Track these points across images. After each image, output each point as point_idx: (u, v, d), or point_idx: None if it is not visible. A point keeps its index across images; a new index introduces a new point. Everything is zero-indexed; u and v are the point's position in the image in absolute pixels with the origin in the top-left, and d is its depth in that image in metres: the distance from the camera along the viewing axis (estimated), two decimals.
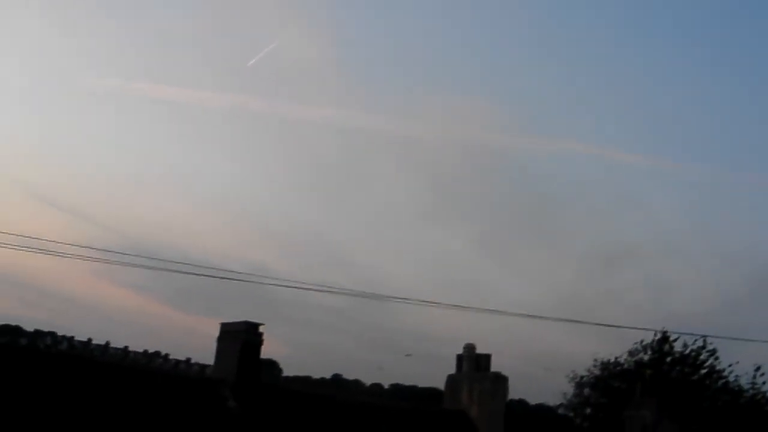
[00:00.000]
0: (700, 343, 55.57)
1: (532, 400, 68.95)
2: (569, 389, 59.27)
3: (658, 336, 57.01)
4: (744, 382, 55.00)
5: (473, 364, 35.44)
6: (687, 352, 55.84)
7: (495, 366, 35.19)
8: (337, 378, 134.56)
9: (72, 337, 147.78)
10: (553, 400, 61.11)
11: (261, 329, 31.24)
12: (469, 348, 35.52)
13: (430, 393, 61.60)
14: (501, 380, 34.78)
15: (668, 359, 56.01)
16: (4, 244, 31.57)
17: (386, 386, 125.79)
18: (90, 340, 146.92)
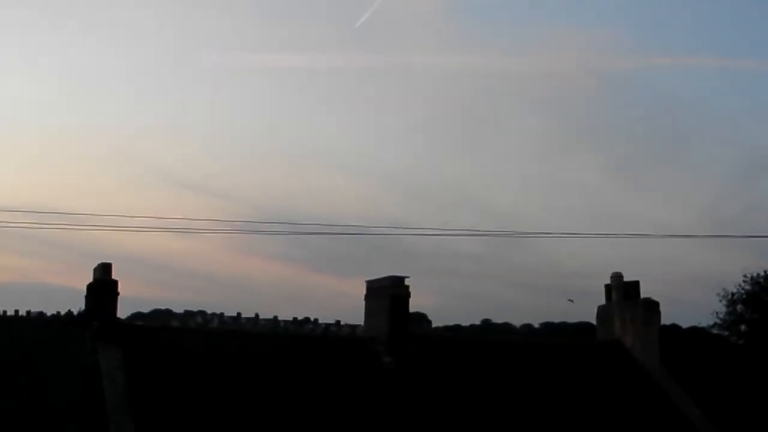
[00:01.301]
0: None
1: (685, 324, 68.09)
2: (721, 308, 58.53)
3: None
4: None
5: (622, 292, 35.13)
6: None
7: (644, 292, 34.84)
8: (486, 323, 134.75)
9: (222, 314, 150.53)
10: (706, 321, 60.33)
11: (407, 282, 31.41)
12: (617, 277, 35.21)
13: (582, 327, 61.30)
14: (652, 306, 34.41)
15: None
16: (145, 228, 32.31)
17: (537, 325, 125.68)
18: (239, 314, 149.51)
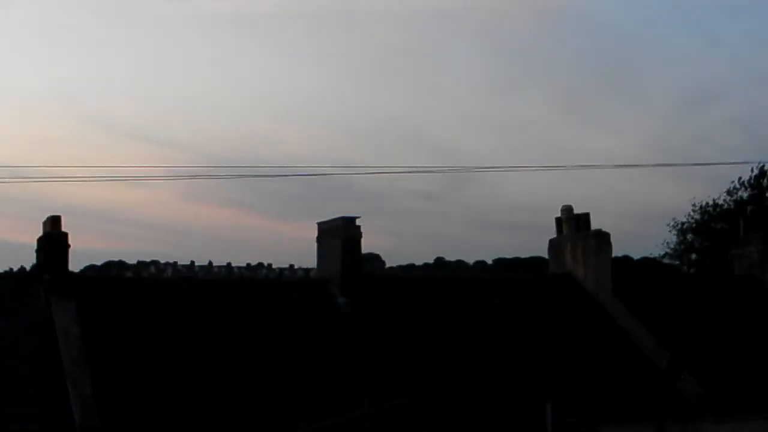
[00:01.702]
0: None
1: (636, 255, 68.76)
2: (672, 238, 59.15)
3: (756, 171, 56.51)
4: None
5: (573, 225, 35.38)
6: None
7: (595, 224, 35.13)
8: (439, 261, 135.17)
9: (175, 263, 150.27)
10: (657, 251, 60.98)
11: (358, 223, 31.45)
12: (567, 209, 35.42)
13: (535, 262, 61.66)
14: (603, 237, 34.70)
15: None
16: (92, 177, 32.11)
17: (489, 262, 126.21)
18: (193, 262, 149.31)
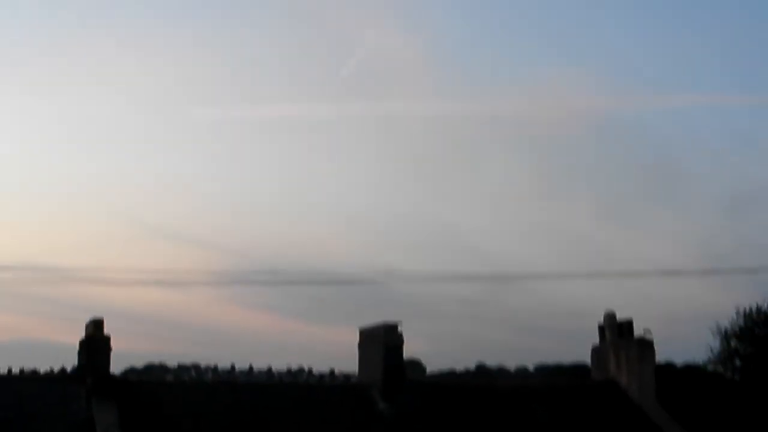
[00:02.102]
0: None
1: (680, 361, 67.97)
2: (716, 344, 58.47)
3: None
4: None
5: (616, 332, 35.14)
6: None
7: (638, 331, 34.84)
8: (480, 367, 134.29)
9: (216, 366, 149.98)
10: (701, 357, 60.25)
11: (399, 329, 31.41)
12: (610, 316, 35.23)
13: (577, 368, 61.14)
14: (646, 345, 34.43)
15: None
16: (134, 281, 32.30)
17: (531, 368, 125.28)
18: (233, 366, 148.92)
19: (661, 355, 36.55)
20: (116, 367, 30.79)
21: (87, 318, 29.85)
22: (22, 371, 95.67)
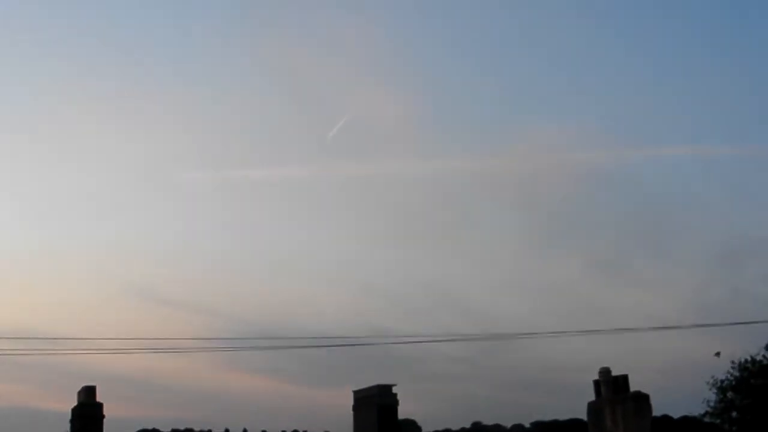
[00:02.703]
0: None
1: (676, 414, 67.57)
2: (712, 396, 58.17)
3: None
4: None
5: (611, 387, 34.94)
6: None
7: (633, 385, 34.66)
8: (477, 425, 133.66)
9: (210, 430, 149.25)
10: (697, 410, 59.88)
11: (394, 390, 31.20)
12: (605, 372, 35.06)
13: (574, 424, 60.75)
14: (642, 399, 34.24)
15: None
16: (128, 349, 32.07)
17: (527, 425, 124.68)
18: (227, 430, 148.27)
19: (657, 409, 36.33)
20: None
21: (79, 385, 29.60)
22: None
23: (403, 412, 32.03)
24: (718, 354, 32.09)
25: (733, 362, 56.32)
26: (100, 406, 28.73)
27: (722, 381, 56.88)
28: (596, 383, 35.79)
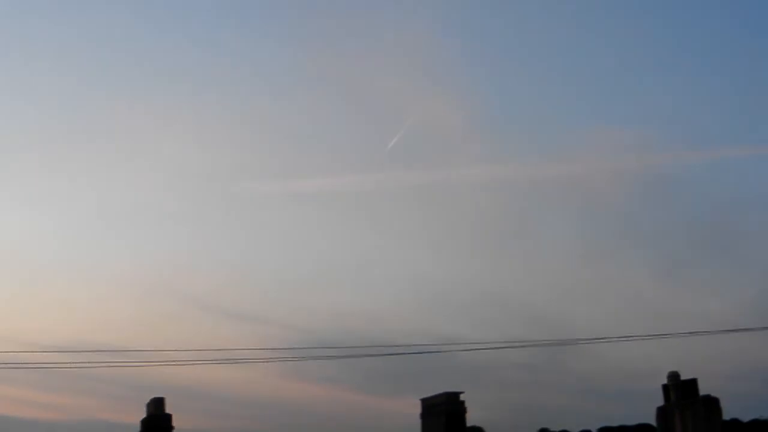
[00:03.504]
0: None
1: (746, 417, 66.91)
2: None
3: None
4: None
5: (680, 391, 34.66)
6: None
7: (703, 389, 34.33)
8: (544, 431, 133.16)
9: None
10: (767, 413, 59.30)
11: (462, 398, 31.17)
12: (674, 376, 34.79)
13: (643, 429, 60.36)
14: (712, 403, 33.92)
15: None
16: (196, 361, 32.27)
17: (594, 431, 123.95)
18: None
19: (727, 413, 35.98)
20: None
21: (148, 397, 29.83)
22: None
23: (471, 419, 31.98)
24: None
25: None
26: (168, 418, 28.97)
27: None
28: (665, 388, 35.52)
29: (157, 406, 29.26)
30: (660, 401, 36.13)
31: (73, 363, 33.27)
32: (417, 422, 32.23)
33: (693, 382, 34.79)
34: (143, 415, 29.83)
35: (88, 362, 33.78)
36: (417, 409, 31.85)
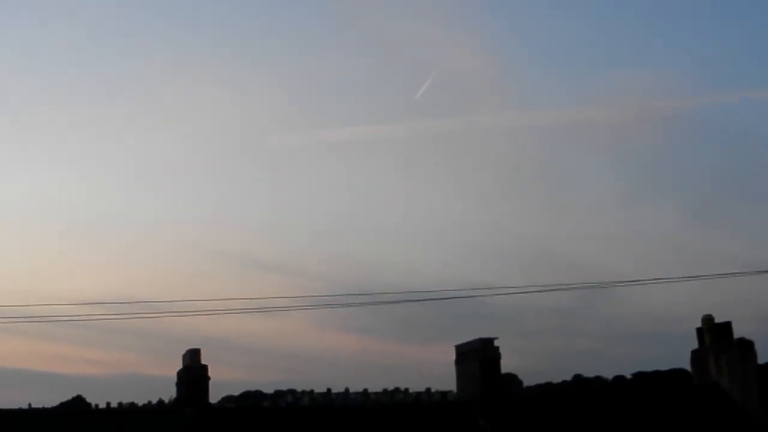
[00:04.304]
0: None
1: None
2: None
3: None
4: None
5: (715, 335, 34.62)
6: None
7: (737, 332, 34.33)
8: (577, 378, 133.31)
9: (312, 391, 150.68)
10: None
11: (496, 344, 31.23)
12: (708, 319, 34.74)
13: (677, 374, 60.51)
14: (746, 345, 33.87)
15: None
16: (226, 310, 32.52)
17: (629, 376, 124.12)
18: (329, 390, 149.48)
19: (762, 356, 35.90)
20: (213, 396, 30.93)
21: (183, 349, 30.06)
22: (120, 405, 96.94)
23: (505, 366, 32.06)
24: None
25: None
26: (205, 368, 29.18)
27: None
28: (699, 331, 35.46)
29: (192, 357, 29.49)
30: (694, 345, 36.08)
31: (108, 315, 33.50)
32: (452, 369, 32.26)
33: (727, 325, 34.73)
34: (179, 367, 30.07)
35: (124, 314, 34.06)
36: (452, 357, 31.92)
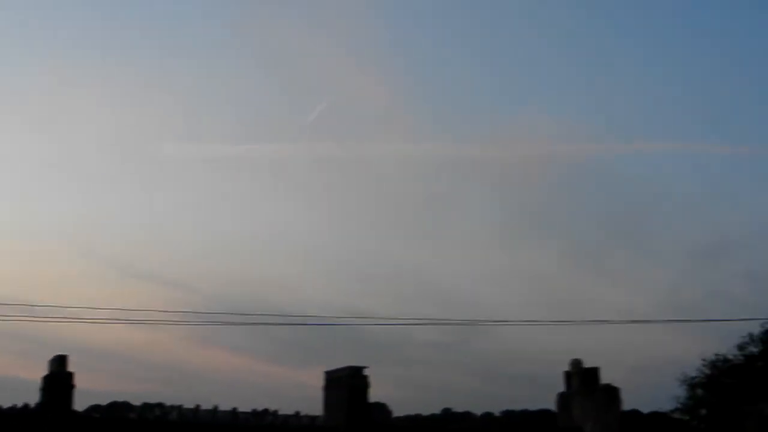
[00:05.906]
0: None
1: (646, 409, 67.79)
2: (682, 393, 58.33)
3: (766, 326, 55.95)
4: None
5: (582, 379, 35.11)
6: None
7: (604, 378, 34.86)
8: (447, 412, 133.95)
9: (180, 406, 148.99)
10: (667, 406, 60.06)
11: (365, 372, 31.28)
12: (576, 363, 35.25)
13: (543, 414, 60.97)
14: (612, 392, 34.42)
15: None
16: (100, 319, 32.05)
17: (497, 413, 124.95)
18: (198, 406, 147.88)
19: (627, 403, 36.52)
20: (80, 404, 30.50)
21: (51, 354, 29.55)
22: None
23: (375, 395, 32.10)
24: None
25: (704, 360, 56.53)
26: (70, 375, 28.70)
27: (693, 378, 57.09)
28: (567, 374, 35.94)
29: (59, 363, 29.00)
30: (562, 388, 36.53)
31: None
32: (321, 394, 32.24)
33: (594, 371, 35.24)
34: (45, 372, 29.54)
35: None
36: (321, 382, 31.88)
